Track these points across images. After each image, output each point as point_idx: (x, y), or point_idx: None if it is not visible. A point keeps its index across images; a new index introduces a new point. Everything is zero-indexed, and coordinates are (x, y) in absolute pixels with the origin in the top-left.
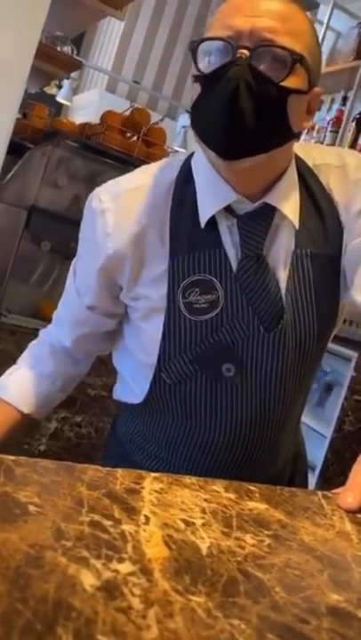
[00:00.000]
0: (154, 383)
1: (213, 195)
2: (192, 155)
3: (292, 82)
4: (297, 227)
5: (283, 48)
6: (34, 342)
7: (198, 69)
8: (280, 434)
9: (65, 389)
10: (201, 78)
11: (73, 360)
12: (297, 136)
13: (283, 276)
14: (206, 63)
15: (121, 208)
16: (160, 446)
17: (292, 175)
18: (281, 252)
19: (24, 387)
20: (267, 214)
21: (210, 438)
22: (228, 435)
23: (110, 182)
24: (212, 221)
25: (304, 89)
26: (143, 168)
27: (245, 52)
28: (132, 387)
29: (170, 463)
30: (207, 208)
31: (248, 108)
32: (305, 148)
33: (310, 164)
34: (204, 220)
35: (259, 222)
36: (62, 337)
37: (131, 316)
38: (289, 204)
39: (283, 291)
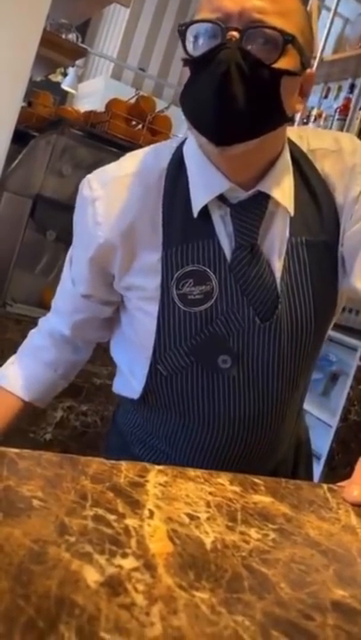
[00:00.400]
0: (150, 375)
1: (206, 183)
2: (185, 141)
3: (284, 63)
4: (292, 214)
5: (273, 28)
6: (33, 331)
7: (187, 53)
8: (279, 427)
9: (67, 377)
10: (190, 62)
11: (73, 347)
12: (290, 119)
13: (278, 265)
14: (195, 47)
15: (111, 196)
16: (160, 439)
17: (285, 161)
18: (276, 241)
19: (26, 375)
20: (260, 203)
21: (208, 433)
22: (226, 429)
23: (100, 169)
24: (205, 211)
25: (297, 70)
26: (133, 154)
27: (235, 33)
28: (130, 380)
29: (170, 457)
30: (199, 197)
31: (239, 91)
32: (298, 133)
33: (305, 149)
34: (196, 209)
35: (252, 211)
36: (61, 325)
37: (126, 305)
38: (283, 191)
39: (278, 280)
